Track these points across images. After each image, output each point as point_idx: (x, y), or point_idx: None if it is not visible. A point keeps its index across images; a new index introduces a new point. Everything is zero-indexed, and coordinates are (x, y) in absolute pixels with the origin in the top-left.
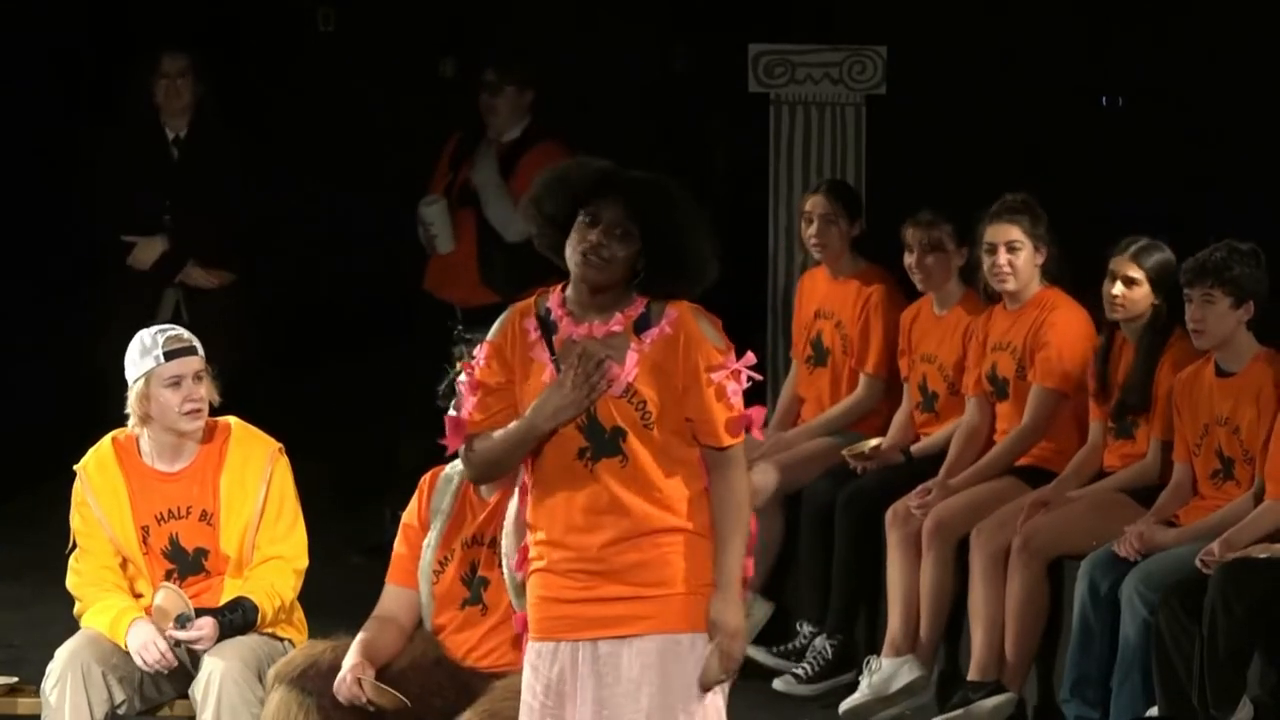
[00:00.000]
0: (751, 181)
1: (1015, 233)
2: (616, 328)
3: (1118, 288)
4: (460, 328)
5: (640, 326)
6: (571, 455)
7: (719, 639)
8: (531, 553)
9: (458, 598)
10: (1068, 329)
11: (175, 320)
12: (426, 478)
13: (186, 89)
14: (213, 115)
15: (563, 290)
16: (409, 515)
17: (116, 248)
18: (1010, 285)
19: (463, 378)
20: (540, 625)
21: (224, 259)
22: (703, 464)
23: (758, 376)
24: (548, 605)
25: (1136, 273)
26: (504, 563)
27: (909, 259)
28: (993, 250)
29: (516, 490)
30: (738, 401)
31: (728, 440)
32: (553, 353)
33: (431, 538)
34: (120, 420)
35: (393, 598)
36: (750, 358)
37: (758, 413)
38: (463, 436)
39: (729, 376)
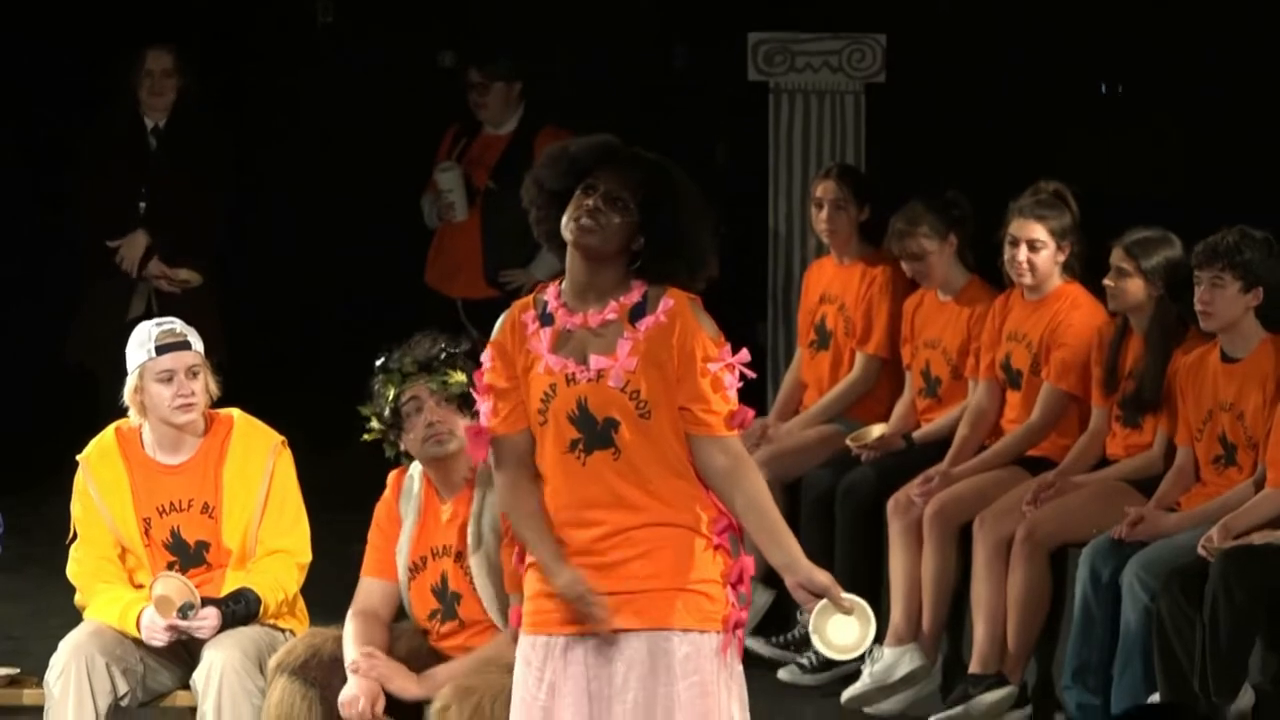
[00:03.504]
0: (751, 170)
1: (1039, 232)
2: (611, 316)
3: (1110, 277)
4: (381, 359)
5: (635, 315)
6: (564, 448)
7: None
8: None
9: (430, 607)
10: (1085, 330)
11: (146, 316)
12: (394, 474)
13: (171, 88)
14: (194, 106)
15: (559, 284)
16: (381, 510)
17: (96, 243)
18: (1028, 281)
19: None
20: (533, 619)
21: (196, 254)
22: (691, 458)
23: (751, 375)
24: (541, 599)
25: (1126, 263)
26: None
27: (906, 269)
28: (1014, 244)
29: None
30: (733, 395)
31: (723, 431)
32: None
33: (403, 542)
34: (111, 411)
35: (370, 591)
36: (745, 354)
37: (749, 413)
38: (486, 445)
39: (725, 369)
